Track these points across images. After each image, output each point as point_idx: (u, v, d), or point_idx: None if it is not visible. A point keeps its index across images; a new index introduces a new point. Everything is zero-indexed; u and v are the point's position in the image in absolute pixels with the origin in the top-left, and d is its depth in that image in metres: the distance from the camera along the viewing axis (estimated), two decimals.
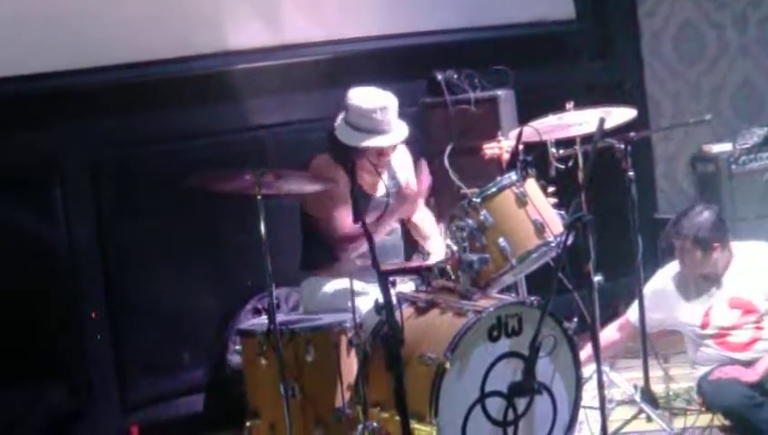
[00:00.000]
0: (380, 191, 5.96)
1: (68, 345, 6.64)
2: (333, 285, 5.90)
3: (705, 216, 6.12)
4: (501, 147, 6.28)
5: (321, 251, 5.92)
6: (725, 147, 8.33)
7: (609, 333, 6.42)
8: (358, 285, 5.64)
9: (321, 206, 5.79)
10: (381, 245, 5.74)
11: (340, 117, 5.92)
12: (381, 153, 5.88)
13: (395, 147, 5.94)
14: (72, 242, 6.70)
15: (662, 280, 6.34)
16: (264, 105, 7.05)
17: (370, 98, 5.85)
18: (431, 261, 5.81)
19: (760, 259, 6.18)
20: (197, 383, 6.97)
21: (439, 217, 6.12)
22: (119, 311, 6.79)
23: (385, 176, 5.97)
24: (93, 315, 6.70)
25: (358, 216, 5.15)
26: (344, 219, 5.74)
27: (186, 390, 6.93)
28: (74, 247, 6.70)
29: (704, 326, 6.13)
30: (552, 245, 5.56)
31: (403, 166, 6.13)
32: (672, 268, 6.31)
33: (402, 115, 7.66)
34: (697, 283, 6.20)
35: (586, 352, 5.88)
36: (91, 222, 6.75)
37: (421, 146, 7.40)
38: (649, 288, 6.31)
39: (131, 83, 6.74)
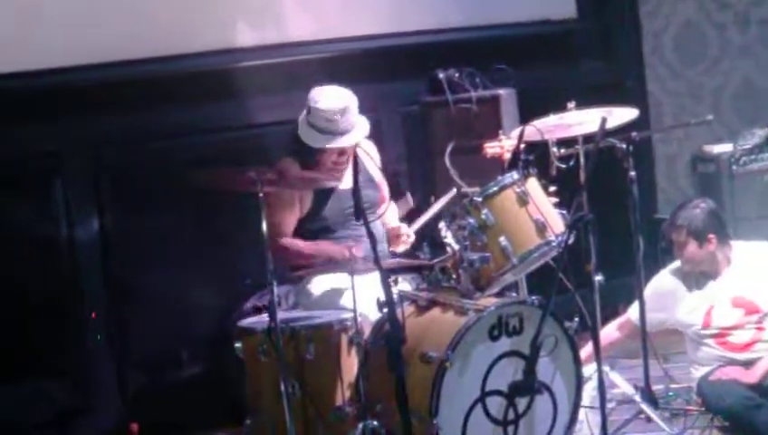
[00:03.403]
0: (345, 184, 5.94)
1: (69, 341, 6.64)
2: (320, 283, 5.96)
3: (699, 207, 6.13)
4: (502, 146, 6.27)
5: None
6: (726, 147, 8.31)
7: (608, 332, 6.42)
8: (344, 281, 5.66)
9: (267, 206, 5.59)
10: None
11: (303, 117, 5.93)
12: (341, 152, 5.91)
13: (357, 144, 5.95)
14: (73, 238, 6.70)
15: (664, 280, 6.33)
16: (267, 103, 7.06)
17: (330, 100, 5.86)
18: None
19: (763, 259, 6.18)
20: (198, 380, 6.98)
21: (439, 216, 6.12)
22: (120, 307, 6.79)
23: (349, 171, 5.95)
24: (93, 316, 6.71)
25: (358, 213, 5.19)
26: (286, 226, 5.87)
27: (186, 386, 6.94)
28: (75, 244, 6.71)
29: (705, 326, 6.12)
30: (554, 244, 5.56)
31: (369, 157, 6.13)
32: (673, 269, 6.30)
33: (403, 114, 7.71)
34: (698, 281, 6.19)
35: (586, 351, 5.88)
36: (92, 219, 6.75)
37: (421, 145, 7.45)
38: (651, 288, 6.31)
39: (133, 80, 6.74)
